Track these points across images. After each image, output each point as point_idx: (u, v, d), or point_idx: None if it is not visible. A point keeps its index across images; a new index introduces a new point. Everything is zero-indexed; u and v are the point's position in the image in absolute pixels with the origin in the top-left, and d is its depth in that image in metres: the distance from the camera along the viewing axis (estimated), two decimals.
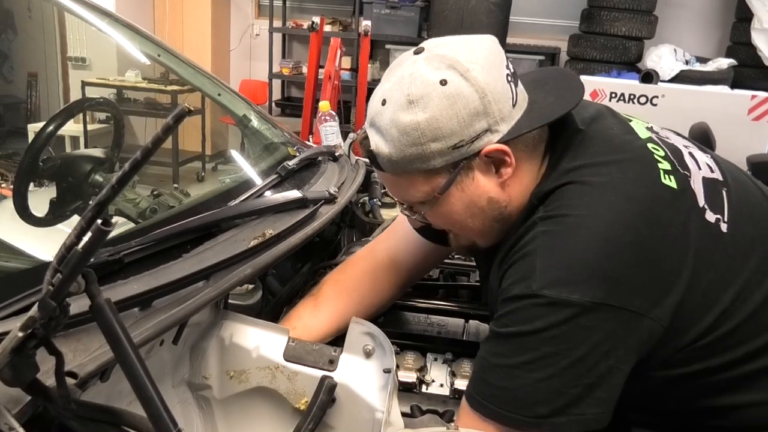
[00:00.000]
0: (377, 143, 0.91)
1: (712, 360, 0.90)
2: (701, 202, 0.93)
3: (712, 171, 1.00)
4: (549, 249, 0.85)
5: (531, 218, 0.90)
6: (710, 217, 0.92)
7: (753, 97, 3.96)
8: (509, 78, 0.89)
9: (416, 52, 0.91)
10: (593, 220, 0.85)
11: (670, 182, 0.91)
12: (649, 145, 0.96)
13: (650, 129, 1.04)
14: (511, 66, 0.91)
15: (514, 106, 0.89)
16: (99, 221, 0.53)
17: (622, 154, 0.93)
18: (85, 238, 0.56)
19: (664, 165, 0.93)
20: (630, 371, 0.86)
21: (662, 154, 0.95)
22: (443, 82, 0.85)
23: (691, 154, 1.01)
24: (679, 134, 1.08)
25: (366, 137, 0.93)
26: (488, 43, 0.91)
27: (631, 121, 1.04)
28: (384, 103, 0.89)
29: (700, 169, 0.98)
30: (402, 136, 0.87)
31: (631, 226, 0.85)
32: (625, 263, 0.83)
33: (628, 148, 0.94)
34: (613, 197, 0.87)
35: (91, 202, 1.81)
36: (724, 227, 0.92)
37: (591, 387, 0.82)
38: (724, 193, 0.97)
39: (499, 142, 0.88)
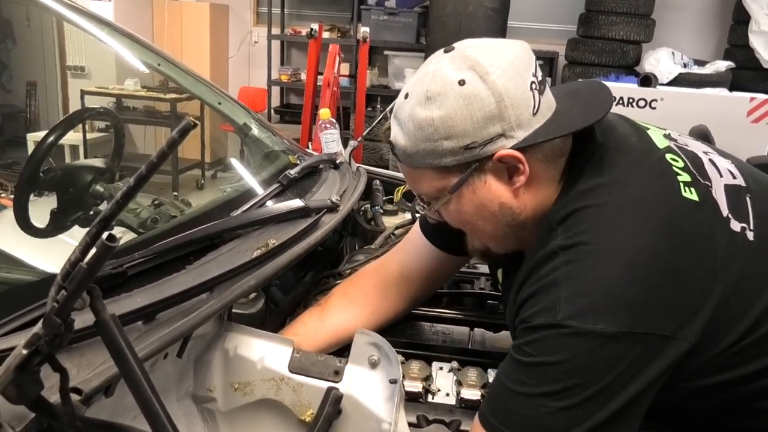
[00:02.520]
0: (396, 134, 0.93)
1: (741, 368, 0.89)
2: (725, 211, 0.91)
3: (735, 177, 0.98)
4: (572, 279, 0.84)
5: (550, 243, 0.88)
6: (735, 226, 0.90)
7: (752, 99, 3.97)
8: (534, 86, 0.88)
9: (446, 51, 0.91)
10: (614, 246, 0.84)
11: (691, 195, 0.89)
12: (668, 156, 0.95)
13: (668, 137, 1.02)
14: (540, 74, 0.90)
15: (534, 114, 0.88)
16: (104, 237, 0.53)
17: (640, 169, 0.92)
18: (90, 254, 0.55)
19: (684, 177, 0.92)
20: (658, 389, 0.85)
21: (681, 165, 0.94)
22: (461, 82, 0.86)
23: (711, 161, 0.99)
24: (697, 140, 1.06)
25: (389, 128, 0.96)
26: (517, 48, 0.91)
27: (648, 129, 1.02)
28: (407, 96, 0.91)
29: (721, 176, 0.96)
30: (417, 130, 0.88)
31: (652, 248, 0.84)
32: (649, 288, 0.82)
33: (647, 162, 0.93)
34: (633, 219, 0.86)
35: (92, 213, 1.82)
36: (750, 235, 0.91)
37: (617, 411, 0.81)
38: (748, 200, 0.95)
39: (514, 148, 0.87)
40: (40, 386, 0.60)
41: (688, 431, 0.99)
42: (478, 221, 0.96)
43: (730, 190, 0.95)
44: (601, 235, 0.85)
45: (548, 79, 5.62)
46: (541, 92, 0.89)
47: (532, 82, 0.88)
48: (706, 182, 0.93)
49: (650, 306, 0.82)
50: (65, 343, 0.59)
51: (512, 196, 0.92)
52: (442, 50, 0.92)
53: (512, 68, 0.87)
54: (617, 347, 0.80)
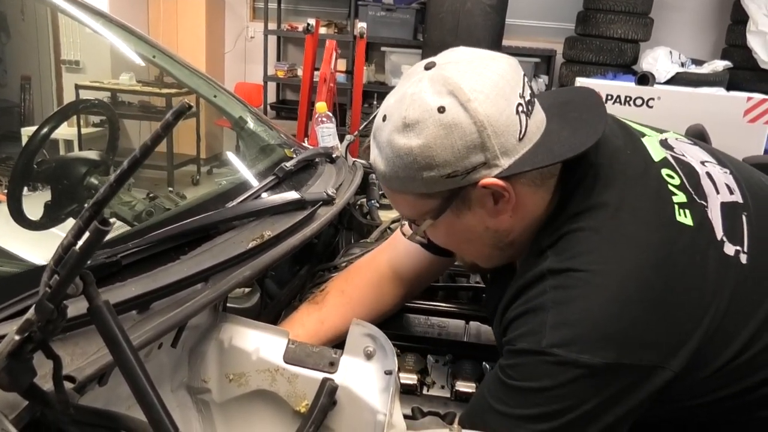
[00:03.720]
0: (375, 158, 0.89)
1: (729, 387, 0.88)
2: (719, 234, 0.89)
3: (732, 192, 0.95)
4: (560, 306, 0.82)
5: (540, 264, 0.86)
6: (729, 249, 0.88)
7: (749, 99, 3.96)
8: (521, 108, 0.83)
9: (427, 67, 0.86)
10: (603, 276, 0.82)
11: (686, 219, 0.87)
12: (664, 172, 0.92)
13: (665, 143, 0.99)
14: (528, 93, 0.85)
15: (521, 139, 0.83)
16: (97, 221, 0.52)
17: (634, 190, 0.88)
18: (83, 239, 0.54)
19: (679, 197, 0.89)
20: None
21: (677, 182, 0.91)
22: (441, 110, 0.81)
23: (708, 174, 0.96)
24: (696, 143, 1.03)
25: (369, 146, 0.92)
26: (503, 67, 0.85)
27: (644, 136, 0.99)
28: (385, 119, 0.87)
29: (718, 193, 0.93)
30: (396, 157, 0.84)
31: (643, 282, 0.82)
32: (638, 321, 0.81)
33: (642, 181, 0.89)
34: (624, 248, 0.83)
35: (87, 205, 1.80)
36: (744, 258, 0.89)
37: None
38: (744, 219, 0.93)
39: (498, 176, 0.83)
40: (33, 373, 0.60)
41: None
42: (462, 244, 0.95)
43: (726, 208, 0.92)
44: (591, 263, 0.83)
45: (542, 79, 5.65)
46: (528, 114, 0.84)
47: (519, 105, 0.83)
48: (702, 202, 0.91)
49: (638, 338, 0.81)
50: (58, 329, 0.58)
51: (498, 221, 0.89)
52: (422, 66, 0.87)
53: (496, 92, 0.82)
54: (601, 378, 0.79)
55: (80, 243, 0.54)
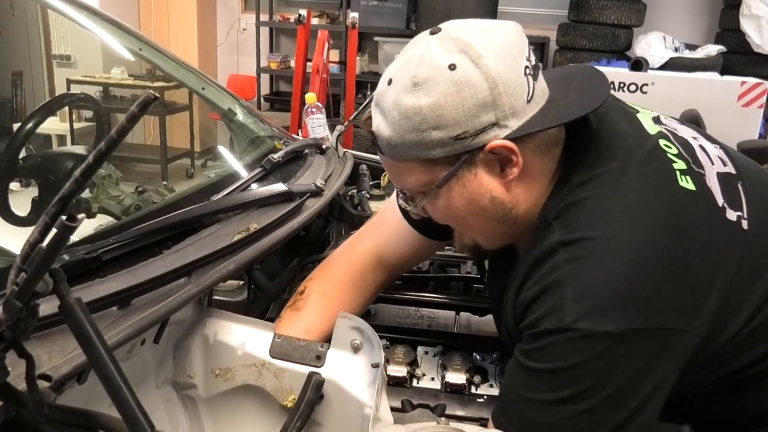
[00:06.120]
0: (378, 124, 0.87)
1: (739, 360, 0.88)
2: (720, 201, 0.89)
3: (725, 164, 0.96)
4: (576, 278, 0.80)
5: (547, 239, 0.85)
6: (731, 215, 0.88)
7: (743, 83, 3.94)
8: (528, 71, 0.83)
9: (432, 32, 0.85)
10: (617, 241, 0.81)
11: (688, 183, 0.87)
12: (661, 142, 0.92)
13: (657, 120, 0.99)
14: (533, 58, 0.85)
15: (528, 101, 0.83)
16: (64, 216, 0.51)
17: (637, 158, 0.88)
18: (51, 235, 0.53)
19: (679, 164, 0.89)
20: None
21: (675, 151, 0.91)
22: (452, 67, 0.80)
23: (701, 147, 0.96)
24: (684, 123, 1.04)
25: (370, 117, 0.89)
26: (509, 30, 0.85)
27: (637, 112, 0.99)
28: (390, 82, 0.85)
29: (713, 164, 0.94)
30: (403, 119, 0.82)
31: (656, 242, 0.81)
32: (657, 282, 0.80)
33: (642, 150, 0.89)
34: (634, 212, 0.83)
35: (74, 201, 1.79)
36: (745, 224, 0.89)
37: (635, 410, 0.80)
38: (740, 188, 0.93)
39: (506, 138, 0.82)
40: (5, 373, 0.58)
41: (684, 414, 0.98)
42: (467, 217, 0.92)
43: (722, 178, 0.93)
44: (602, 230, 0.82)
45: (540, 64, 5.62)
46: (534, 78, 0.84)
47: (526, 67, 0.83)
48: (700, 170, 0.91)
49: (659, 301, 0.80)
50: (30, 327, 0.57)
51: (504, 189, 0.88)
52: (427, 32, 0.86)
53: (505, 51, 0.81)
54: (630, 345, 0.78)
55: (48, 240, 0.53)
